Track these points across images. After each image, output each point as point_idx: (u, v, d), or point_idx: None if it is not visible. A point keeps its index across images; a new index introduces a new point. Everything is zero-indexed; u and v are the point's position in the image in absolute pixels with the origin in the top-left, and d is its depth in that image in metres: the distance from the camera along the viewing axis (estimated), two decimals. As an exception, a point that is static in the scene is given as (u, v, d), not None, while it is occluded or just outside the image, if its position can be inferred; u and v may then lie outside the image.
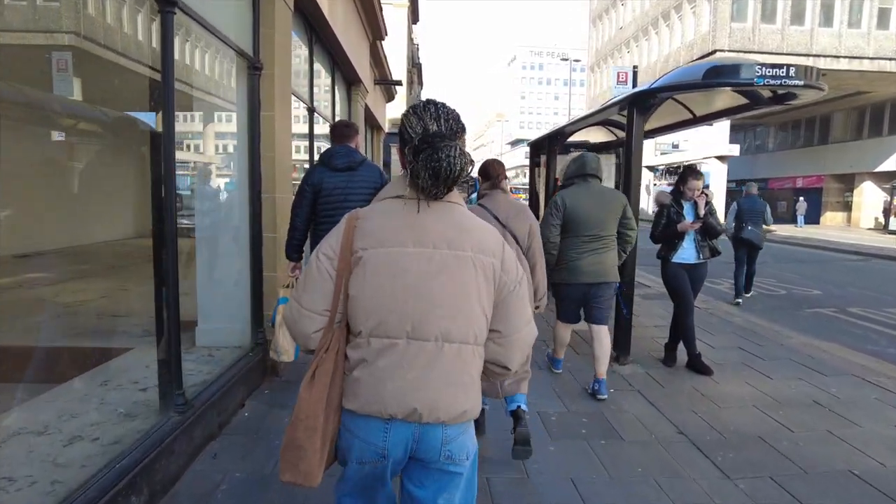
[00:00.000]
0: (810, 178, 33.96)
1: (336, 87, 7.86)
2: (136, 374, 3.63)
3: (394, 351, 1.37)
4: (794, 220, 32.21)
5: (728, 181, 32.36)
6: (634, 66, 20.71)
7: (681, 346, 5.02)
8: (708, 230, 4.83)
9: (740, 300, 8.22)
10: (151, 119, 3.23)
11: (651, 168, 34.52)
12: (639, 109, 4.96)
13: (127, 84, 4.69)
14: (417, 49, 45.64)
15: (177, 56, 2.99)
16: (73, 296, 5.86)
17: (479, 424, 3.41)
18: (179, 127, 3.14)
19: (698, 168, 4.93)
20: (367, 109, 10.24)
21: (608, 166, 8.83)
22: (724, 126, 25.78)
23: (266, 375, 4.41)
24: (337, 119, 7.88)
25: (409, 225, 1.40)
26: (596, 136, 8.83)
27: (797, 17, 23.34)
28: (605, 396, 4.15)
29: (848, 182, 31.81)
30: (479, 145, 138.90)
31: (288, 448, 1.42)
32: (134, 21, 4.73)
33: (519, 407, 3.14)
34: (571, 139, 8.35)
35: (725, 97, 5.47)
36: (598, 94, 39.80)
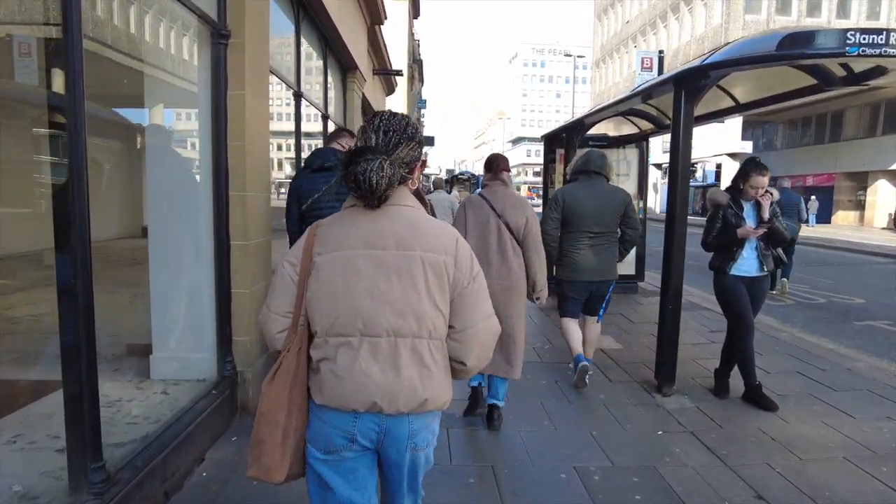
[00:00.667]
0: (821, 176, 33.09)
1: (329, 73, 7.02)
2: (60, 423, 2.80)
3: (349, 348, 1.45)
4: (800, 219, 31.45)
5: (737, 179, 31.56)
6: (660, 51, 19.75)
7: (734, 372, 4.21)
8: (773, 236, 4.01)
9: (776, 290, 8.19)
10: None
11: (657, 166, 33.67)
12: (688, 91, 4.12)
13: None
14: (418, 45, 44.82)
15: (120, 23, 2.17)
16: (28, 308, 5.06)
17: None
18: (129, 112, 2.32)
19: (760, 161, 4.08)
20: (364, 100, 9.41)
21: (629, 162, 8.02)
22: (735, 122, 24.94)
23: (235, 415, 3.59)
24: (330, 109, 7.04)
25: (361, 229, 1.48)
26: (617, 128, 8.01)
27: (813, 8, 22.53)
28: (587, 363, 4.21)
29: (861, 180, 30.94)
30: (481, 143, 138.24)
31: (253, 444, 1.51)
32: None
33: (495, 404, 3.50)
34: (590, 132, 7.54)
35: (784, 77, 4.61)
36: (603, 91, 39.01)
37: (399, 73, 12.53)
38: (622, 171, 7.99)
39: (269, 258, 3.96)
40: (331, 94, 7.08)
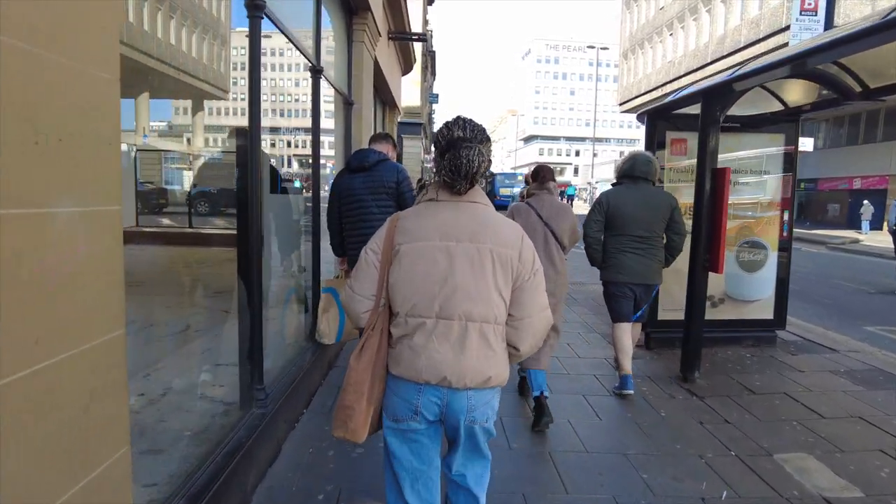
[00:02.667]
0: (871, 178, 30.27)
1: (323, 5, 4.47)
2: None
3: (425, 328, 1.66)
4: (850, 225, 28.64)
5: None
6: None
7: None
8: None
9: None
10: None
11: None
12: None
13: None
14: (431, 36, 42.46)
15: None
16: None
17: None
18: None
19: None
20: (377, 66, 6.89)
21: (767, 155, 5.41)
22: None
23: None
24: (326, 63, 4.50)
25: (438, 222, 1.69)
26: (753, 102, 5.43)
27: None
28: (632, 391, 4.12)
29: (920, 183, 28.11)
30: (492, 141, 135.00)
31: (339, 409, 1.75)
32: None
33: (542, 393, 3.54)
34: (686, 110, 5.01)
35: None
36: (632, 83, 36.20)
37: (421, 37, 10.05)
38: (753, 167, 5.39)
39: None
40: (326, 45, 4.53)
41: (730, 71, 4.85)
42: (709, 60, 25.48)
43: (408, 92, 27.35)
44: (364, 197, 3.45)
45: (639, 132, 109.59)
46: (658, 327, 5.39)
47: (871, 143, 29.82)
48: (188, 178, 5.89)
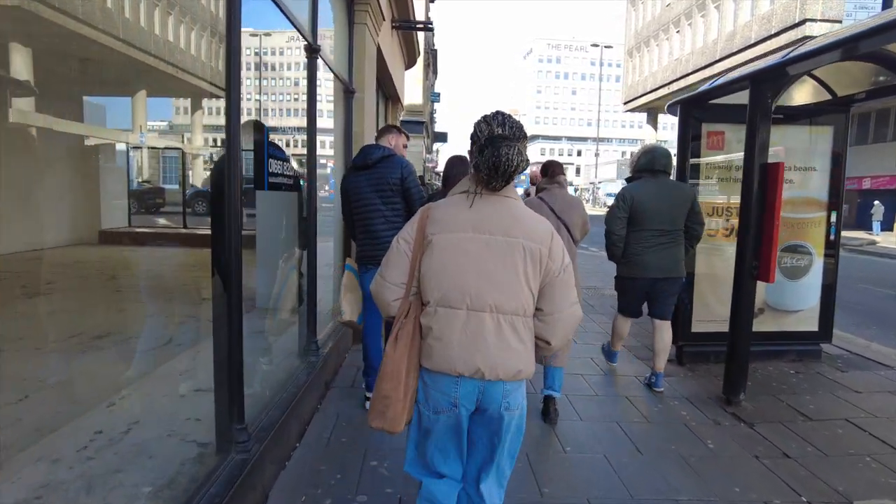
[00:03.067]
0: (881, 178, 29.73)
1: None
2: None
3: (457, 319, 1.66)
4: (860, 226, 28.13)
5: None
6: None
7: None
8: None
9: None
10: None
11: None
12: None
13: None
14: (433, 34, 41.94)
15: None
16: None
17: (549, 413, 3.59)
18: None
19: None
20: (380, 54, 6.37)
21: (814, 149, 4.89)
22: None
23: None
24: (323, 43, 3.99)
25: (471, 214, 1.70)
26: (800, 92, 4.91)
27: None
28: (662, 389, 4.19)
29: (931, 183, 27.56)
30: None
31: (377, 399, 1.72)
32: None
33: (552, 396, 3.60)
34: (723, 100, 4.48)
35: None
36: (637, 81, 35.62)
37: (428, 25, 9.51)
38: (798, 163, 4.86)
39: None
40: (325, 21, 4.01)
41: (744, 67, 4.49)
42: (717, 58, 24.91)
43: (410, 89, 26.93)
44: (369, 195, 3.41)
45: (640, 132, 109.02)
46: (692, 341, 4.87)
47: (880, 143, 29.29)
48: (189, 178, 5.42)
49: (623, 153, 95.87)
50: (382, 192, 3.39)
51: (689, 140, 4.67)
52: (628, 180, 4.23)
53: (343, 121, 4.76)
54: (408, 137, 3.83)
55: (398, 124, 11.12)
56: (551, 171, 3.84)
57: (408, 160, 3.60)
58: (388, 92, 9.57)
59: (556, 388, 3.62)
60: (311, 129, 3.68)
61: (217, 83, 3.38)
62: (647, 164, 4.07)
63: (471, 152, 1.77)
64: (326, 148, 4.79)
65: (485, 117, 1.75)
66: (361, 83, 4.89)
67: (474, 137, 1.75)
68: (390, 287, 1.74)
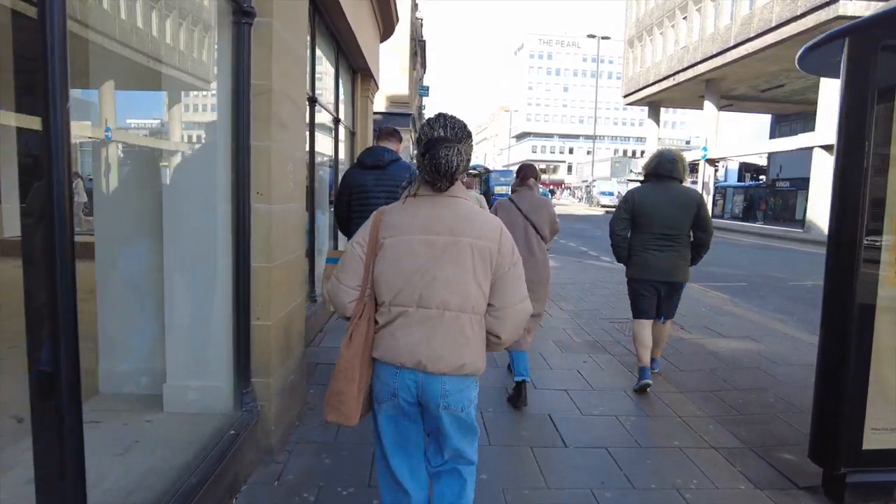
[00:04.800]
0: None
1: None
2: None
3: (406, 316, 1.75)
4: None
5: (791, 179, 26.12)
6: None
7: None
8: None
9: None
10: None
11: (713, 162, 28.23)
12: None
13: None
14: (421, 25, 39.87)
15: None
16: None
17: (520, 393, 3.79)
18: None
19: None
20: (335, 5, 4.12)
21: None
22: (831, 101, 19.55)
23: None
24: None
25: (419, 217, 1.78)
26: None
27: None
28: (658, 370, 4.50)
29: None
30: (482, 139, 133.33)
31: (331, 395, 1.80)
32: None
33: (524, 380, 3.78)
34: None
35: None
36: (638, 73, 33.57)
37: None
38: None
39: (298, 279, 3.56)
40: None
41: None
42: (731, 44, 22.85)
43: (395, 79, 24.65)
44: (377, 194, 3.54)
45: (633, 129, 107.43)
46: (862, 464, 2.72)
47: None
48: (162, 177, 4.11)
49: (616, 151, 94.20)
50: (391, 191, 3.45)
51: (871, 95, 2.47)
52: (641, 182, 4.35)
53: (231, 63, 2.56)
54: (401, 140, 3.97)
55: (370, 104, 9.07)
56: (523, 174, 4.09)
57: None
58: (353, 61, 7.35)
59: (525, 373, 3.81)
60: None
61: (200, 75, 3.18)
62: (654, 169, 4.15)
63: (417, 157, 1.88)
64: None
65: (428, 120, 1.82)
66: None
67: (418, 140, 1.82)
68: (346, 290, 1.83)
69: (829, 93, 19.54)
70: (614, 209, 4.24)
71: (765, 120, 41.17)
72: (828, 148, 19.49)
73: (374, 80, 8.71)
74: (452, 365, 1.73)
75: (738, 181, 42.02)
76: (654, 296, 4.15)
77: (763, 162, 47.26)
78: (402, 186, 3.40)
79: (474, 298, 1.75)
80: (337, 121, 6.69)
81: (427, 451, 1.93)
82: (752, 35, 21.17)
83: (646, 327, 4.20)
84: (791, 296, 8.66)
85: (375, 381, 1.82)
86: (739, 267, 11.92)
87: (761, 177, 43.58)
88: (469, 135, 1.81)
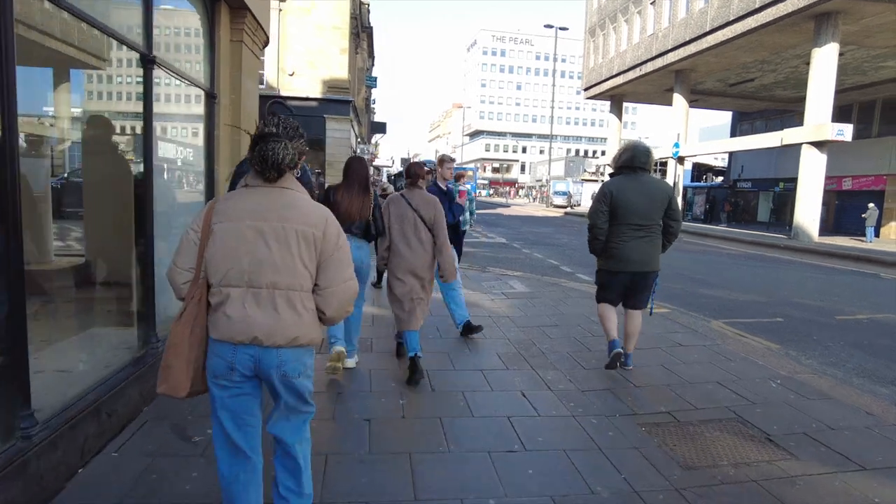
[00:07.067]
0: (864, 178, 26.85)
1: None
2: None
3: (237, 295, 1.91)
4: (838, 230, 25.05)
5: (779, 180, 24.62)
6: None
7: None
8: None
9: None
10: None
11: (683, 160, 26.12)
12: None
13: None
14: (368, 10, 36.64)
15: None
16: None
17: (415, 368, 4.11)
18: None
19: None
20: None
21: None
22: (821, 94, 17.58)
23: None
24: None
25: (250, 205, 1.95)
26: None
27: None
28: (631, 367, 4.52)
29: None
30: (436, 136, 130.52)
31: (163, 367, 1.97)
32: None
33: (416, 354, 4.14)
34: None
35: None
36: (600, 64, 31.37)
37: None
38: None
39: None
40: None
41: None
42: (707, 29, 20.76)
43: (332, 61, 22.16)
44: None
45: (587, 129, 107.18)
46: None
47: (866, 139, 26.34)
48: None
49: (569, 151, 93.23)
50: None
51: None
52: (611, 175, 4.48)
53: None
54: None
55: (254, 59, 6.08)
56: (414, 174, 4.36)
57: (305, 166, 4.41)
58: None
59: (416, 348, 4.17)
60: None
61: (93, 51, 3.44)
62: (628, 161, 4.27)
63: (249, 152, 1.98)
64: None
65: (263, 120, 2.02)
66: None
67: (252, 137, 1.97)
68: (181, 272, 1.97)
69: (820, 83, 17.62)
70: (590, 204, 4.54)
71: (718, 119, 40.15)
72: (818, 144, 17.56)
73: (257, 21, 5.62)
74: (286, 338, 1.93)
75: (692, 181, 40.76)
76: (623, 287, 4.40)
77: (718, 163, 46.45)
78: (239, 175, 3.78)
79: (301, 278, 1.95)
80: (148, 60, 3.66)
81: (268, 417, 2.12)
82: (731, 18, 19.06)
83: (611, 309, 4.45)
84: (858, 341, 6.10)
85: (213, 357, 1.96)
86: (752, 289, 9.42)
87: (718, 178, 42.53)
88: (301, 136, 2.04)
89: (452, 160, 5.71)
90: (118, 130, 4.07)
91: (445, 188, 5.44)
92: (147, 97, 3.65)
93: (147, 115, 3.66)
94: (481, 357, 4.79)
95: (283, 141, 1.91)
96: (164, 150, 4.45)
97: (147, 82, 3.65)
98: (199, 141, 4.99)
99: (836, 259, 15.46)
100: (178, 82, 4.43)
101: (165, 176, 4.59)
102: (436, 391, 4.02)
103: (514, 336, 5.45)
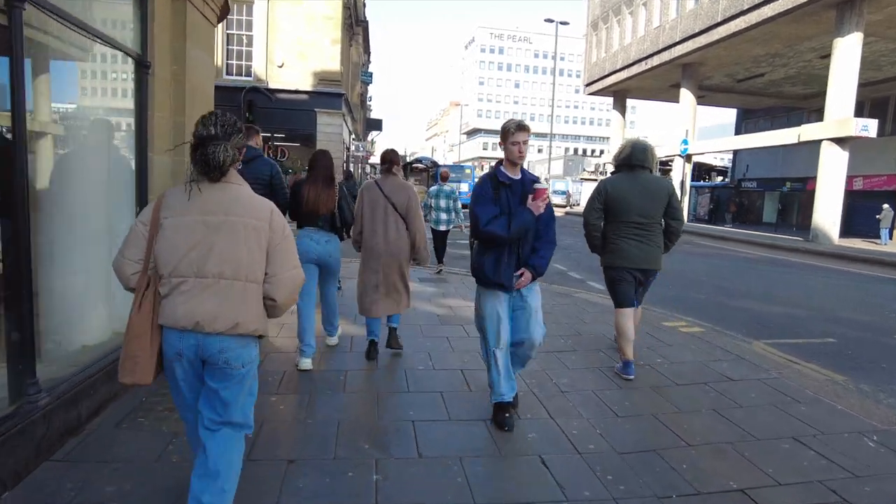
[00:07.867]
0: (876, 178, 25.87)
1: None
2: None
3: (185, 285, 1.96)
4: (848, 232, 24.07)
5: (777, 180, 23.61)
6: None
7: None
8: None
9: None
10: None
11: (691, 158, 25.10)
12: None
13: None
14: (364, 3, 35.60)
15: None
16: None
17: (372, 350, 4.47)
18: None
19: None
20: None
21: None
22: (844, 87, 16.57)
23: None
24: None
25: (197, 200, 1.99)
26: None
27: None
28: (632, 377, 4.18)
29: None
30: (433, 135, 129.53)
31: (126, 359, 1.99)
32: None
33: (374, 338, 4.48)
34: None
35: None
36: (603, 59, 30.32)
37: None
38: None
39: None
40: None
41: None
42: (718, 20, 19.74)
43: (323, 52, 21.22)
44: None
45: (585, 128, 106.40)
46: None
47: (878, 137, 25.34)
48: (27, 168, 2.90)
49: (567, 150, 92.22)
50: (254, 184, 3.02)
51: None
52: (612, 174, 4.50)
53: None
54: (258, 132, 4.54)
55: (206, 23, 5.14)
56: (390, 161, 4.38)
57: (274, 161, 4.63)
58: None
59: (396, 322, 4.59)
60: None
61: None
62: (626, 159, 4.25)
63: (191, 152, 2.01)
64: None
65: (202, 118, 2.02)
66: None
67: (193, 137, 2.00)
68: (129, 263, 2.01)
69: (842, 75, 16.61)
70: (585, 203, 4.48)
71: (719, 118, 39.27)
72: (840, 141, 16.55)
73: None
74: (227, 324, 1.96)
75: (693, 181, 39.82)
76: (633, 283, 4.26)
77: (720, 162, 45.46)
78: (263, 180, 4.11)
79: (247, 268, 1.99)
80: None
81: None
82: (745, 7, 18.04)
83: (630, 318, 4.24)
84: (937, 370, 5.06)
85: (164, 344, 2.01)
86: (785, 300, 8.38)
87: (719, 177, 41.56)
88: (239, 130, 2.06)
89: (525, 128, 3.31)
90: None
91: (511, 180, 3.32)
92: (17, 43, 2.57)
93: (16, 71, 2.58)
94: (484, 400, 3.70)
95: (222, 143, 1.97)
96: (56, 130, 3.39)
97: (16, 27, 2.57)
98: (123, 120, 3.92)
99: (862, 264, 14.45)
100: (88, 40, 3.36)
101: (57, 157, 3.52)
102: (423, 457, 2.96)
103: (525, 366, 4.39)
